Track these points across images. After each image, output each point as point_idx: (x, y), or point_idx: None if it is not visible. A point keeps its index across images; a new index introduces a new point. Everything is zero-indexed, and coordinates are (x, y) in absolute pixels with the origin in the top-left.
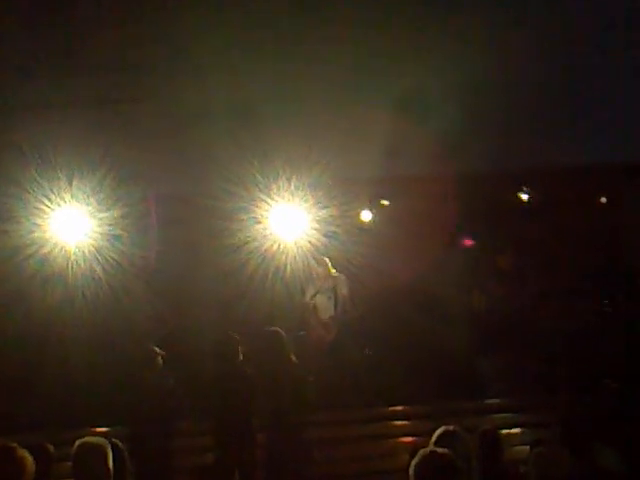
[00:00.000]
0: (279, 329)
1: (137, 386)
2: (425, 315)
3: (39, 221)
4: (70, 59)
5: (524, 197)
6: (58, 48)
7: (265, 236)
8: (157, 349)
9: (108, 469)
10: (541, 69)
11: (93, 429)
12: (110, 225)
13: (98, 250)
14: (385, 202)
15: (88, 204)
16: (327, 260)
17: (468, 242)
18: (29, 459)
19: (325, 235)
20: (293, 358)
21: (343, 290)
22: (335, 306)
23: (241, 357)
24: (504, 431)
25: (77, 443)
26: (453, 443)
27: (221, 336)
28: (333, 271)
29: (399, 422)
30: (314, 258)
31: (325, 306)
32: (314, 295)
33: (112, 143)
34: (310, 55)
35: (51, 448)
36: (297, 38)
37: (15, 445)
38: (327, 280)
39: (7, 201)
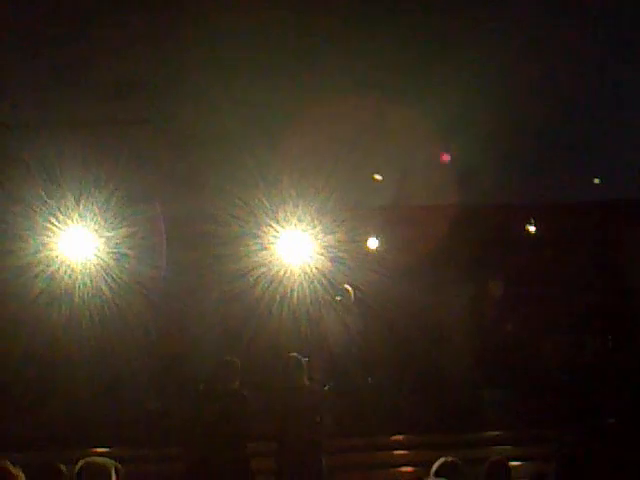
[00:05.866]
0: (297, 355)
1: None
2: (429, 344)
3: (46, 240)
4: (79, 80)
5: (532, 229)
6: (67, 68)
7: (272, 261)
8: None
9: None
10: (550, 108)
11: (96, 449)
12: (117, 244)
13: (105, 269)
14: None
15: (95, 223)
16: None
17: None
18: (21, 476)
19: (332, 261)
20: (307, 383)
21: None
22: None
23: (237, 382)
24: None
25: (81, 462)
26: (453, 474)
27: (221, 359)
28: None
29: (400, 451)
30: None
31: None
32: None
33: (119, 163)
34: (317, 81)
35: (63, 467)
36: (303, 62)
37: (8, 463)
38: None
39: (14, 219)
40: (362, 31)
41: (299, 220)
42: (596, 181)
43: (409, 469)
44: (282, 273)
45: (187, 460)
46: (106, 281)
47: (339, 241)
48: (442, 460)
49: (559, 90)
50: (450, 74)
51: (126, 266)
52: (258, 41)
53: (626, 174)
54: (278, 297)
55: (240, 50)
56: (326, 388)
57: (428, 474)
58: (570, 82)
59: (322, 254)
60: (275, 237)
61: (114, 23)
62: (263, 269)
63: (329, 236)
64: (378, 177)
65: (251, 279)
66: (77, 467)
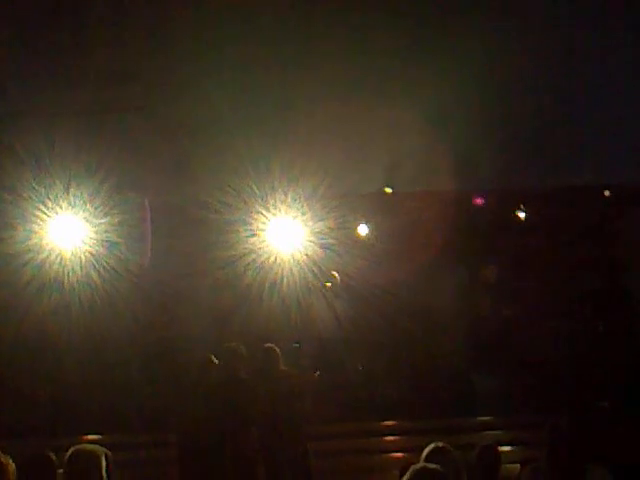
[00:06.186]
0: (273, 345)
1: None
2: (420, 330)
3: (36, 228)
4: (69, 68)
5: (521, 215)
6: (58, 56)
7: (262, 248)
8: None
9: (101, 478)
10: (543, 94)
11: (86, 437)
12: (106, 232)
13: (94, 257)
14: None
15: (84, 211)
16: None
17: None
18: (11, 465)
19: (322, 247)
20: (286, 369)
21: None
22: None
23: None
24: None
25: (71, 450)
26: (443, 460)
27: (227, 346)
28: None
29: (390, 437)
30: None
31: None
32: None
33: (109, 151)
34: (309, 69)
35: (53, 456)
36: (297, 52)
37: None
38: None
39: (4, 207)
40: (353, 16)
41: (289, 207)
42: (606, 193)
43: (399, 455)
44: (272, 260)
45: (185, 449)
46: (95, 268)
47: (329, 228)
48: (432, 446)
49: (555, 80)
50: (447, 66)
51: (116, 254)
52: (254, 32)
53: (623, 161)
54: (268, 284)
55: (235, 40)
56: (317, 374)
57: (418, 460)
58: (566, 72)
59: (312, 241)
60: (265, 224)
61: (109, 10)
62: (253, 256)
63: (319, 223)
64: (388, 190)
65: (241, 266)
66: (67, 454)
